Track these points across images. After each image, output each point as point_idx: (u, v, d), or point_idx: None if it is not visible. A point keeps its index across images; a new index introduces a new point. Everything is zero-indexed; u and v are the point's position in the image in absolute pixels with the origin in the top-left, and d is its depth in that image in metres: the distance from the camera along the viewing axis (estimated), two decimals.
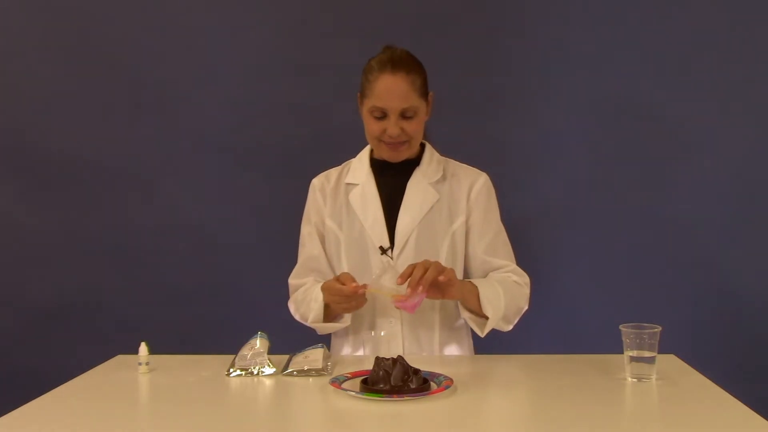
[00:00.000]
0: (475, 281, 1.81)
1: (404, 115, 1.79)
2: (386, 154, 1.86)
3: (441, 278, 1.67)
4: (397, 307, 1.70)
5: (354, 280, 1.71)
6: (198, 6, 2.60)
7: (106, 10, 2.60)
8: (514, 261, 1.91)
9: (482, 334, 1.81)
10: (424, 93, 1.82)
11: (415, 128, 1.81)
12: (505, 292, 1.80)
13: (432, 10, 2.56)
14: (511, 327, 1.86)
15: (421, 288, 1.65)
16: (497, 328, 1.82)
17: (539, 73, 2.57)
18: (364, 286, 1.71)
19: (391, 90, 1.77)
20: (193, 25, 2.60)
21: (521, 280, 1.87)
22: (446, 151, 1.97)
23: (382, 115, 1.79)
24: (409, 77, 1.78)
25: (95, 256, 2.65)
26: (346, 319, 1.85)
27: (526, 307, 1.87)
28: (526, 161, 2.58)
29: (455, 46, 2.54)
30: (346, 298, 1.72)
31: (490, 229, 1.89)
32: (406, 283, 1.67)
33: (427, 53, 1.84)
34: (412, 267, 1.67)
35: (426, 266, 1.66)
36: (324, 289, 1.77)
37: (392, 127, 1.79)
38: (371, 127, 1.82)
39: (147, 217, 2.64)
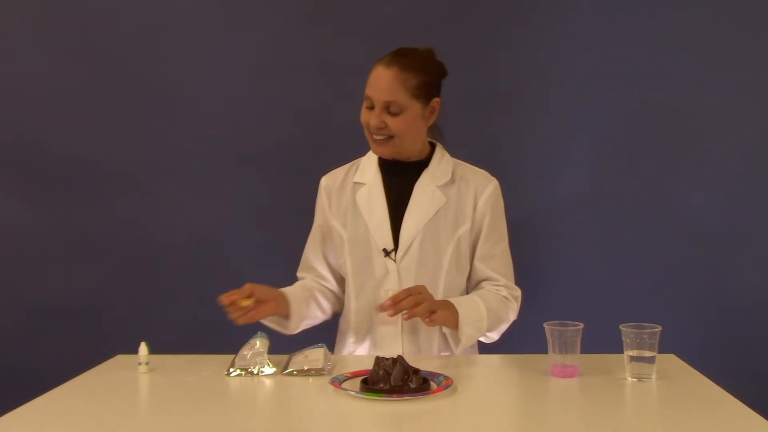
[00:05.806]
0: (457, 303, 1.77)
1: (389, 110, 1.78)
2: (371, 147, 1.86)
3: (425, 321, 1.67)
4: None
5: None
6: (198, 6, 2.60)
7: (106, 9, 2.60)
8: (511, 275, 1.91)
9: (456, 351, 1.82)
10: (420, 94, 1.79)
11: (399, 126, 1.78)
12: (488, 312, 1.79)
13: (436, 10, 2.55)
14: (494, 339, 1.89)
15: (392, 311, 1.64)
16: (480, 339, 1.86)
17: (545, 72, 2.56)
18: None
19: (378, 80, 1.77)
20: (194, 24, 2.60)
21: (510, 294, 1.87)
22: (455, 152, 1.96)
23: (371, 105, 1.80)
24: (403, 74, 1.76)
25: (95, 256, 2.65)
26: (287, 326, 1.85)
27: (513, 320, 1.88)
28: (529, 161, 2.58)
29: (461, 46, 2.52)
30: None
31: (491, 238, 1.88)
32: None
33: None
34: (406, 292, 1.66)
35: (418, 300, 1.65)
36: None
37: (374, 117, 1.79)
38: (362, 114, 1.83)
39: (147, 217, 2.63)
